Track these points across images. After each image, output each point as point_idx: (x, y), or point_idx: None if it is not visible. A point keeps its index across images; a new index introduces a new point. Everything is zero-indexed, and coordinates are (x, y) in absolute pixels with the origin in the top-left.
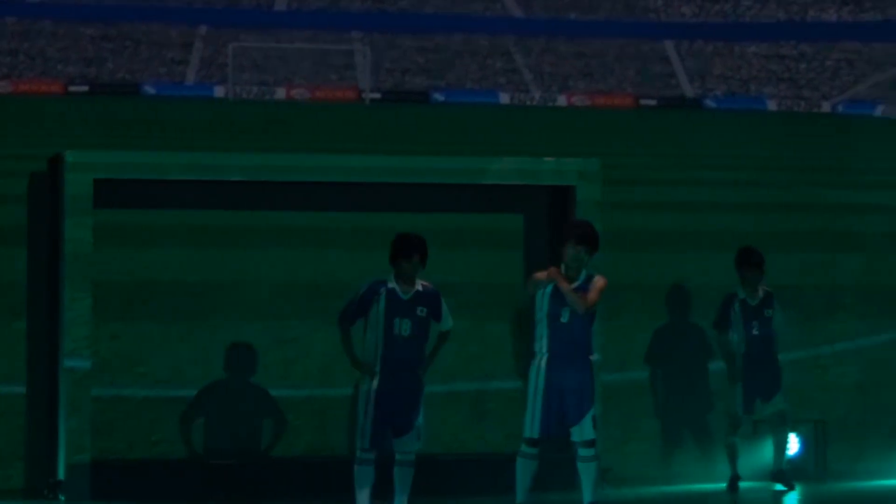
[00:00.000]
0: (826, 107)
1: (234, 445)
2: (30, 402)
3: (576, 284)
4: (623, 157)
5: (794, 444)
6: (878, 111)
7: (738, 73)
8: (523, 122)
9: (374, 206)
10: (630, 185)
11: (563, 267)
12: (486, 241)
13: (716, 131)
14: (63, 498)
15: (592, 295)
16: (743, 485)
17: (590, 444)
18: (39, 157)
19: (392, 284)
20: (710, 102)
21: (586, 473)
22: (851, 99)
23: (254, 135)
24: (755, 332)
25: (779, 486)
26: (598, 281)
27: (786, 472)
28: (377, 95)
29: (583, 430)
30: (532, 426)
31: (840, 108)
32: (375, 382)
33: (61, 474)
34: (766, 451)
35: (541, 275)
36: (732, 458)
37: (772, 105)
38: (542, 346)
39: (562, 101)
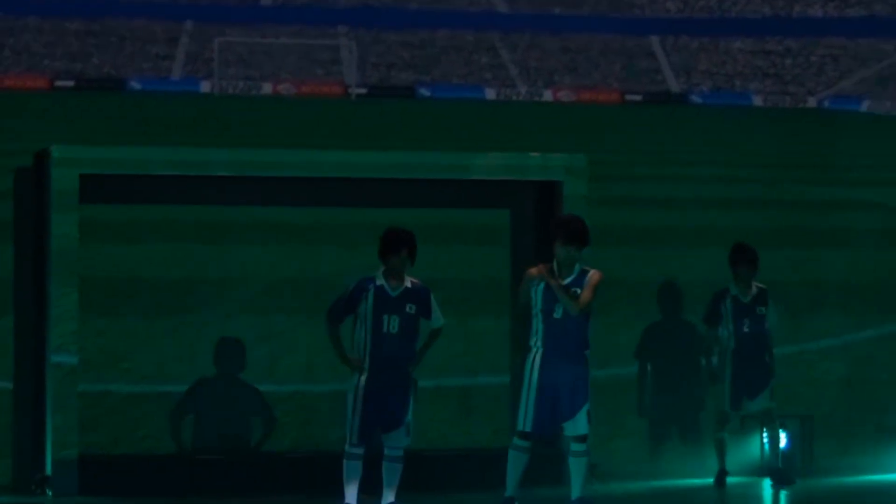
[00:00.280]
0: (812, 102)
1: (221, 441)
2: (16, 397)
3: (570, 279)
4: (609, 152)
5: (781, 440)
6: (864, 107)
7: (724, 68)
8: (509, 118)
9: (360, 201)
10: (616, 181)
11: (555, 264)
12: (473, 236)
13: (701, 127)
14: (50, 493)
15: (585, 295)
16: (730, 480)
17: (582, 439)
18: (25, 152)
19: (381, 281)
20: (695, 98)
21: (576, 468)
22: (837, 94)
23: (239, 130)
24: (745, 329)
25: (775, 483)
26: (593, 277)
27: (782, 470)
28: (363, 90)
29: (576, 425)
30: (525, 420)
31: (826, 104)
32: (364, 378)
33: (48, 470)
34: (753, 447)
35: (534, 271)
36: (721, 454)
37: (757, 101)
38: (536, 340)
39: (548, 96)
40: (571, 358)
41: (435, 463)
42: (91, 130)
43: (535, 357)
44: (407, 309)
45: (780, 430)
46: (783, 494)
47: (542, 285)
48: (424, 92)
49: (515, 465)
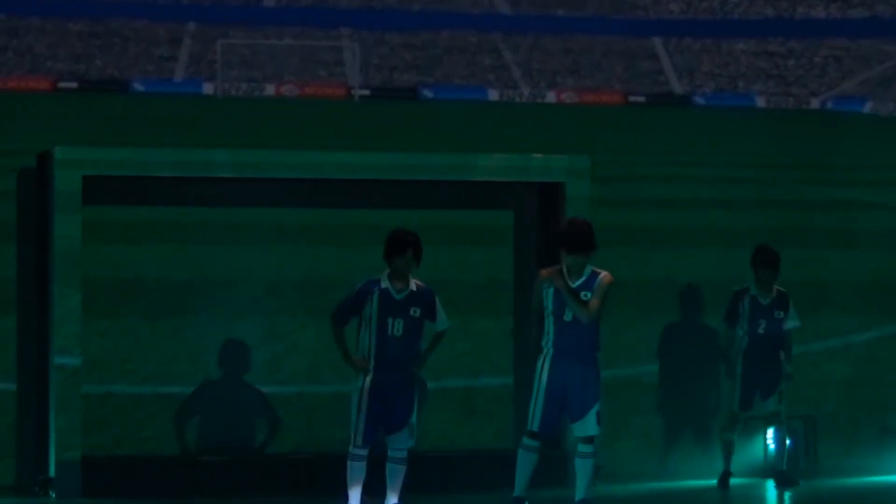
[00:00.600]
0: (814, 103)
1: (225, 442)
2: (20, 399)
3: (580, 281)
4: (612, 153)
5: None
6: (867, 108)
7: (727, 69)
8: (512, 119)
9: (363, 202)
10: (619, 182)
11: (564, 268)
12: (476, 237)
13: (704, 128)
14: (54, 495)
15: (594, 303)
16: (733, 481)
17: (590, 440)
18: (28, 153)
19: (385, 284)
20: (698, 99)
21: (582, 470)
22: (840, 96)
23: (242, 131)
24: (760, 330)
25: (778, 484)
26: (603, 281)
27: (787, 472)
28: (366, 92)
29: (586, 426)
30: (533, 419)
31: (828, 105)
32: (369, 379)
33: (52, 471)
34: (756, 448)
35: (545, 273)
36: (727, 455)
37: (760, 102)
38: (547, 342)
39: (551, 97)
40: (581, 359)
41: (437, 464)
42: (94, 132)
43: (546, 358)
44: (411, 312)
45: (787, 436)
46: (787, 496)
47: (552, 288)
48: (427, 93)
49: (524, 464)
